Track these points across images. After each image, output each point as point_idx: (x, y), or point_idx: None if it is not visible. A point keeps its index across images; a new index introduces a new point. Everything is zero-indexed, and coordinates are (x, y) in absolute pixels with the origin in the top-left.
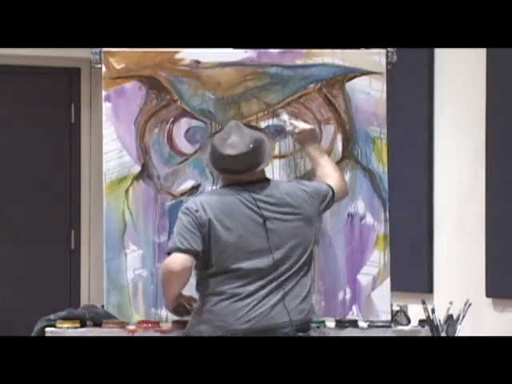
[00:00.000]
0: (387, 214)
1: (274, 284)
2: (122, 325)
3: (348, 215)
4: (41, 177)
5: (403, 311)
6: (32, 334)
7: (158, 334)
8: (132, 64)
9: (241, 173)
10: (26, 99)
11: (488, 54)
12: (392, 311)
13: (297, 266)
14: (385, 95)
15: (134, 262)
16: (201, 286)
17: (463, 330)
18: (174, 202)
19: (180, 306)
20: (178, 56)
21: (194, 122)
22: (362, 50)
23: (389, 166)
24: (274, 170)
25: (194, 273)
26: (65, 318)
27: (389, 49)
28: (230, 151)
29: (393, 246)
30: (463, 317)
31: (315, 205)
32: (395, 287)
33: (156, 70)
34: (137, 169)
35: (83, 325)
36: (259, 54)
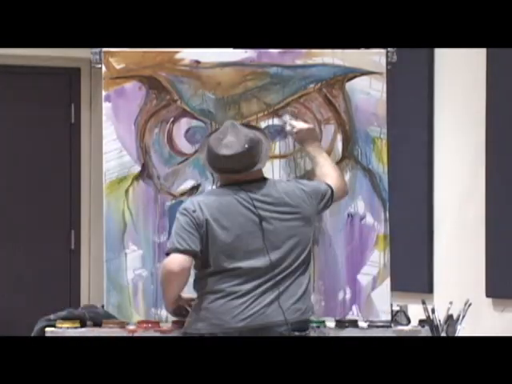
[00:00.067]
0: (387, 214)
1: (270, 283)
2: (122, 325)
3: (348, 215)
4: (41, 177)
5: (403, 311)
6: (32, 334)
7: (157, 334)
8: (132, 64)
9: (237, 172)
10: (26, 99)
11: (488, 54)
12: (392, 311)
13: (294, 266)
14: (385, 95)
15: (133, 261)
16: (198, 284)
17: (463, 330)
18: (173, 202)
19: (180, 308)
20: (177, 56)
21: (194, 122)
22: (362, 50)
23: (389, 166)
24: (273, 170)
25: (192, 272)
26: (65, 318)
27: (389, 49)
28: (225, 151)
29: (393, 246)
30: (463, 317)
31: (314, 204)
32: (395, 287)
33: (156, 70)
34: (137, 169)
35: (83, 325)
36: (259, 53)
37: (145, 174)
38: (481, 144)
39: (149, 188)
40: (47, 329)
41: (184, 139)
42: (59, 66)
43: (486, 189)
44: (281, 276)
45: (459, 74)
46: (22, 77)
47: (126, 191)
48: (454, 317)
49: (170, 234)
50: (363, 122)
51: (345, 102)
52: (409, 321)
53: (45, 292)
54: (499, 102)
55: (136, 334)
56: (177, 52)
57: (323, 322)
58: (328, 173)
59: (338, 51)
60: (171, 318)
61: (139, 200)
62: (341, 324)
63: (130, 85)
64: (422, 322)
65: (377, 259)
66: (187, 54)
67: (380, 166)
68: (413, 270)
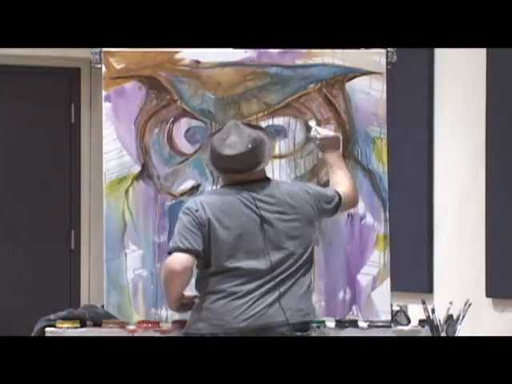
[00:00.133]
0: (387, 214)
1: (271, 283)
2: (122, 325)
3: (348, 215)
4: (41, 177)
5: (403, 311)
6: (32, 334)
7: (157, 334)
8: (132, 64)
9: (240, 172)
10: (26, 99)
11: (488, 54)
12: (392, 311)
13: (295, 266)
14: (385, 95)
15: (133, 261)
16: (200, 284)
17: (463, 330)
18: (173, 201)
19: (183, 306)
20: (177, 56)
21: (194, 122)
22: (362, 50)
23: (389, 166)
24: (273, 170)
25: (194, 272)
26: (65, 318)
27: (389, 49)
28: (228, 151)
29: (393, 246)
30: (463, 317)
31: (317, 206)
32: (395, 287)
33: (156, 70)
34: (137, 169)
35: (83, 325)
36: (259, 53)
37: (145, 173)
38: (481, 144)
39: (149, 188)
40: (47, 329)
41: (184, 139)
42: (59, 66)
43: (486, 189)
44: (282, 277)
45: (459, 74)
46: (22, 77)
47: (126, 191)
48: (454, 317)
49: (170, 233)
50: (363, 122)
51: (345, 102)
52: (409, 321)
53: (45, 292)
54: (499, 102)
55: (136, 334)
56: (177, 52)
57: (323, 322)
58: (341, 181)
59: (338, 51)
60: (171, 318)
61: (139, 200)
62: (341, 324)
63: (129, 85)
64: (421, 322)
65: (377, 259)
66: (187, 54)
67: (380, 166)
68: (413, 269)
